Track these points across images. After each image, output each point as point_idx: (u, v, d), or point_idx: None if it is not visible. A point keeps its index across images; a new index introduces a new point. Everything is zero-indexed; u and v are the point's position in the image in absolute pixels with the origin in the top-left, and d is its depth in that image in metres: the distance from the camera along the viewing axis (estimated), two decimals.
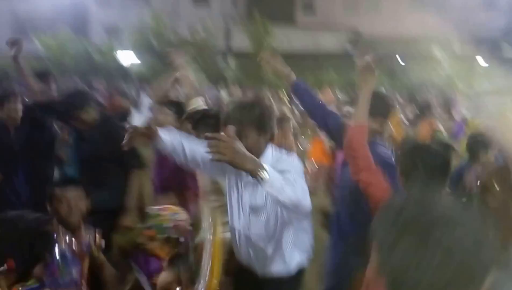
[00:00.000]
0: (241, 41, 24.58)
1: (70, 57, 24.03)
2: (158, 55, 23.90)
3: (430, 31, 23.99)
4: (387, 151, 3.10)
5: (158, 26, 24.07)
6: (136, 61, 26.00)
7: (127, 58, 26.21)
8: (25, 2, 32.27)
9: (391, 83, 22.03)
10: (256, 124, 2.44)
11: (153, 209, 2.83)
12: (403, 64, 24.55)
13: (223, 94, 15.51)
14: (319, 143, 7.71)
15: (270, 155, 2.50)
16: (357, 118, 2.50)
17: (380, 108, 2.98)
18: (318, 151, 7.60)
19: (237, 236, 2.65)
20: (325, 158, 8.17)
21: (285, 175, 2.15)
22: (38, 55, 25.97)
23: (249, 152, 2.15)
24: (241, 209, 2.59)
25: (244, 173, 2.26)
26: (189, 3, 29.21)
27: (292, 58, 21.33)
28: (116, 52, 25.73)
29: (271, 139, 2.57)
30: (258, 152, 2.40)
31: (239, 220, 2.61)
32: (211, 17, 27.99)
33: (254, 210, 2.51)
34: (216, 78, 21.85)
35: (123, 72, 24.78)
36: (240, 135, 2.25)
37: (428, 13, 26.16)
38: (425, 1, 27.00)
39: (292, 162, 2.49)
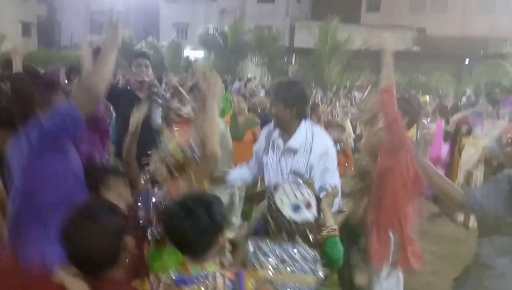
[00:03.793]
0: (304, 38, 24.81)
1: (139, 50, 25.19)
2: (223, 51, 24.70)
3: (499, 31, 23.30)
4: None
5: (233, 29, 24.51)
6: (201, 55, 26.88)
7: (193, 52, 27.14)
8: None
9: (458, 84, 21.60)
10: (283, 99, 2.79)
11: None
12: (470, 64, 23.96)
13: None
14: None
15: (304, 130, 2.82)
16: (384, 81, 2.97)
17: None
18: None
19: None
20: None
21: (326, 160, 2.75)
22: None
23: (278, 120, 2.82)
24: (279, 172, 2.90)
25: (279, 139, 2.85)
26: (254, 1, 29.76)
27: (355, 56, 21.48)
28: (182, 47, 26.61)
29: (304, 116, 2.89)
30: (285, 122, 2.82)
31: (277, 180, 2.85)
32: (276, 14, 28.42)
33: (296, 173, 2.81)
34: (280, 74, 22.19)
35: (188, 66, 25.72)
36: (271, 106, 2.90)
37: (497, 13, 25.40)
38: (494, 1, 26.21)
39: (327, 139, 2.89)
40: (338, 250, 2.28)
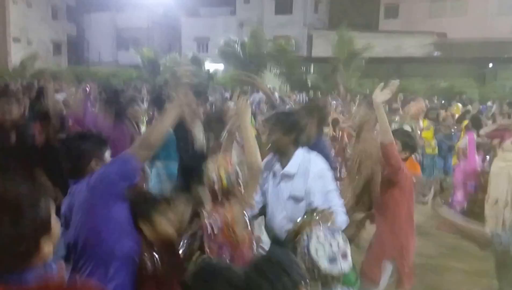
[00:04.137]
0: (322, 47, 24.94)
1: (163, 65, 25.90)
2: (242, 62, 25.12)
3: None
4: None
5: (252, 40, 24.84)
6: (221, 68, 27.41)
7: (213, 65, 27.71)
8: (124, 14, 35.34)
9: (481, 88, 21.21)
10: (282, 127, 2.98)
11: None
12: (495, 68, 23.53)
13: (305, 98, 16.03)
14: None
15: (301, 155, 2.97)
16: (383, 135, 3.14)
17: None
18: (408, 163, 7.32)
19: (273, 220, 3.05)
20: (415, 169, 7.82)
21: (324, 182, 2.87)
22: (136, 64, 28.53)
23: (277, 147, 3.01)
24: (279, 198, 3.00)
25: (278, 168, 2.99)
26: (272, 12, 30.19)
27: (374, 63, 21.44)
28: (202, 60, 27.21)
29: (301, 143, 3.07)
30: (283, 148, 3.00)
31: (276, 206, 3.04)
32: (293, 24, 28.71)
33: (294, 198, 2.91)
34: (299, 84, 22.34)
35: (209, 79, 26.24)
36: (269, 134, 3.07)
37: None
38: None
39: (323, 163, 3.01)
40: (354, 273, 2.28)
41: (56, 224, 1.45)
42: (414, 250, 3.44)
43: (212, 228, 2.38)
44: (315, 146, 3.41)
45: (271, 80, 23.69)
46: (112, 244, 2.11)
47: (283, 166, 2.99)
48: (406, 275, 3.31)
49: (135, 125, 4.98)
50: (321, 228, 2.18)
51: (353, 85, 22.04)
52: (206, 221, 2.42)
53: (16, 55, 31.12)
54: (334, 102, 15.14)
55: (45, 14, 34.99)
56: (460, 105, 12.65)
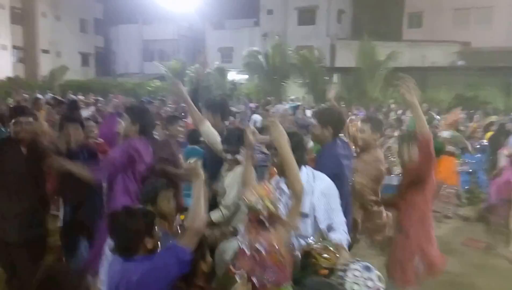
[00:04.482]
0: (345, 57, 25.03)
1: (188, 77, 26.32)
2: (266, 73, 25.41)
3: None
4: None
5: (275, 51, 25.05)
6: (245, 79, 27.72)
7: (237, 76, 28.08)
8: (151, 26, 36.18)
9: (507, 99, 20.90)
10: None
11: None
12: None
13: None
14: (448, 161, 7.25)
15: (305, 173, 3.04)
16: (420, 131, 3.32)
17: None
18: (446, 170, 7.12)
19: None
20: (453, 178, 7.40)
21: (328, 199, 2.94)
22: (162, 76, 29.12)
23: (280, 168, 2.97)
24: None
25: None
26: (295, 23, 30.48)
27: (398, 72, 21.22)
28: (227, 72, 27.54)
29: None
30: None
31: None
32: (317, 35, 28.90)
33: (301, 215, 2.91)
34: (322, 94, 22.37)
35: (233, 90, 26.55)
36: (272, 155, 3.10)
37: None
38: None
39: (327, 180, 3.08)
40: None
41: None
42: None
43: (257, 252, 2.46)
44: (327, 153, 3.56)
45: (295, 91, 23.81)
46: None
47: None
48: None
49: (177, 143, 5.15)
50: (357, 265, 2.31)
51: (376, 95, 22.09)
52: (245, 246, 2.51)
53: (45, 67, 32.13)
54: (356, 112, 15.26)
55: (73, 27, 36.04)
56: (494, 117, 12.54)
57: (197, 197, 2.49)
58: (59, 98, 16.30)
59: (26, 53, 33.58)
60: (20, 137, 3.68)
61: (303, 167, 3.07)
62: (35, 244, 3.77)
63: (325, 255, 2.41)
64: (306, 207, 2.91)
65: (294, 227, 2.59)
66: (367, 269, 2.24)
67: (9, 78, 28.05)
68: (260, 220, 2.49)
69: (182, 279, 2.43)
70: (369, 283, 2.17)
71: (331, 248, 2.54)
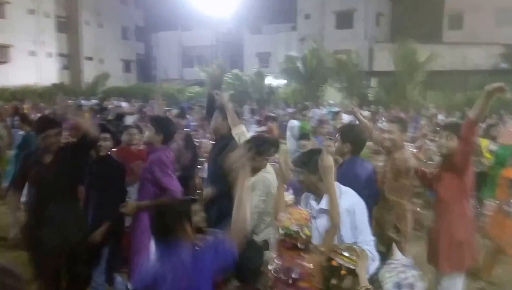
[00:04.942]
0: (383, 60, 24.81)
1: (226, 83, 26.70)
2: (303, 77, 25.51)
3: None
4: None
5: (312, 55, 25.13)
6: (282, 83, 27.89)
7: (274, 81, 28.27)
8: (190, 33, 36.93)
9: None
10: (307, 167, 3.04)
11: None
12: None
13: (365, 114, 16.00)
14: None
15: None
16: (470, 113, 3.42)
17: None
18: None
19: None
20: None
21: (352, 218, 2.91)
22: (201, 81, 29.67)
23: (307, 186, 3.07)
24: (315, 231, 2.97)
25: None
26: (333, 26, 30.43)
27: (438, 75, 20.80)
28: (265, 77, 27.79)
29: None
30: (312, 187, 3.07)
31: (315, 239, 3.01)
32: (355, 38, 28.74)
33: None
34: (360, 97, 22.21)
35: (271, 94, 26.72)
36: (296, 174, 3.08)
37: None
38: None
39: (354, 197, 3.06)
40: None
41: None
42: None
43: (292, 280, 2.47)
44: (343, 170, 3.59)
45: (333, 95, 23.77)
46: None
47: (318, 201, 3.05)
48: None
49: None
50: (396, 259, 2.41)
51: (415, 98, 21.79)
52: (277, 269, 2.53)
53: (88, 73, 33.33)
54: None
55: (115, 34, 37.22)
56: None
57: (239, 197, 2.39)
58: (102, 104, 16.98)
59: (70, 60, 34.96)
60: (49, 148, 3.61)
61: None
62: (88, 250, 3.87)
63: (347, 254, 2.44)
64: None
65: (328, 251, 2.57)
66: (405, 264, 2.32)
67: (54, 84, 29.31)
68: (295, 245, 2.50)
69: None
70: (402, 275, 2.25)
71: (356, 248, 2.56)
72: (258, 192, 3.66)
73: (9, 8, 29.73)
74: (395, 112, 16.81)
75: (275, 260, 2.57)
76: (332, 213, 2.75)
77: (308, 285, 2.47)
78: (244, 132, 4.35)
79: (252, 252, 2.62)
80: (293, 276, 2.46)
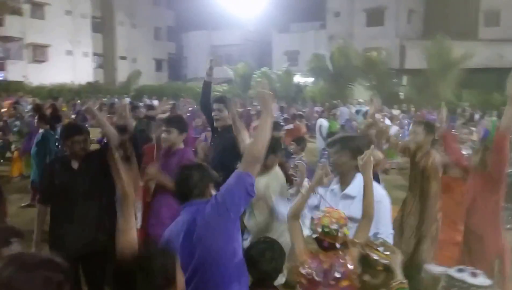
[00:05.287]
0: (415, 58, 24.32)
1: (253, 80, 26.73)
2: (332, 75, 25.29)
3: None
4: None
5: (341, 53, 24.91)
6: (310, 82, 27.73)
7: (303, 79, 28.15)
8: (219, 32, 37.25)
9: None
10: (351, 149, 3.04)
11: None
12: None
13: (396, 112, 15.75)
14: None
15: (360, 179, 2.92)
16: (501, 126, 3.35)
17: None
18: None
19: None
20: None
21: (376, 209, 2.83)
22: (229, 80, 29.89)
23: (339, 168, 3.09)
24: None
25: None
26: (363, 24, 30.04)
27: (473, 73, 20.17)
28: (293, 75, 27.74)
29: None
30: (346, 171, 3.09)
31: None
32: (385, 36, 28.28)
33: (351, 219, 2.84)
34: (390, 96, 21.86)
35: (299, 93, 26.62)
36: (334, 154, 3.13)
37: None
38: None
39: (381, 190, 3.10)
40: None
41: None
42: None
43: (334, 280, 2.47)
44: None
45: (362, 94, 23.49)
46: (231, 263, 2.33)
47: (343, 187, 3.11)
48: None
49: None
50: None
51: (449, 97, 21.23)
52: (314, 272, 2.52)
53: (122, 72, 34.12)
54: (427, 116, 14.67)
55: (148, 34, 37.99)
56: None
57: (263, 124, 2.44)
58: (135, 102, 17.30)
59: (105, 59, 35.93)
60: (76, 154, 3.57)
61: (358, 174, 3.07)
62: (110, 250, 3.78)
63: (381, 249, 2.36)
64: (358, 214, 2.88)
65: (365, 245, 2.54)
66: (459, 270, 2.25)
67: (89, 83, 30.15)
68: (333, 245, 2.50)
69: None
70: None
71: (388, 245, 2.51)
72: (274, 187, 3.75)
73: (48, 9, 30.80)
74: (428, 112, 16.52)
75: (306, 263, 2.56)
76: (367, 206, 2.75)
77: (349, 283, 2.47)
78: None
79: (275, 253, 2.60)
80: (336, 275, 2.46)
